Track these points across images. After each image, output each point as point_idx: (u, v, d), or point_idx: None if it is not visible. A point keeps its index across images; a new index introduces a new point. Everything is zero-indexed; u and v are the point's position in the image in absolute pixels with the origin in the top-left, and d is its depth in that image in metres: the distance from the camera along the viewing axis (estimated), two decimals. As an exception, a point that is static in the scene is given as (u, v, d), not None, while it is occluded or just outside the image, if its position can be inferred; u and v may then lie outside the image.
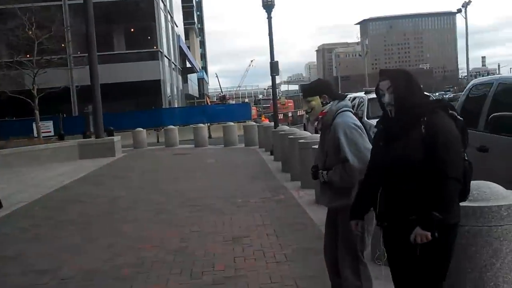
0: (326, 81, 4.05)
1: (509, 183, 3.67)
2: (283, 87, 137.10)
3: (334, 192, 3.51)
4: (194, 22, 74.92)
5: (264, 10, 15.88)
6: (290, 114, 36.54)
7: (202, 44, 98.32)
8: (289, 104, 43.51)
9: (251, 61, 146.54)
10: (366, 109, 11.49)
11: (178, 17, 50.11)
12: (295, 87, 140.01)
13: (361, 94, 12.98)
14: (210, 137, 23.95)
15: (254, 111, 37.15)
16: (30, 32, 20.80)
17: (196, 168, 13.68)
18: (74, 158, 16.79)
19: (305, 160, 8.77)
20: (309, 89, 3.73)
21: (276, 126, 15.62)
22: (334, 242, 3.61)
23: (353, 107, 8.17)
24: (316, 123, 3.74)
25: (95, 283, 4.94)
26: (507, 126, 5.23)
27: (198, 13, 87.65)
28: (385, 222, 2.91)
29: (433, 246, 2.70)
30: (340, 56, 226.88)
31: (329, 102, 3.59)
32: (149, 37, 33.85)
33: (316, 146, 7.65)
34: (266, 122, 24.86)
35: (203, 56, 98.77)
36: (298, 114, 36.82)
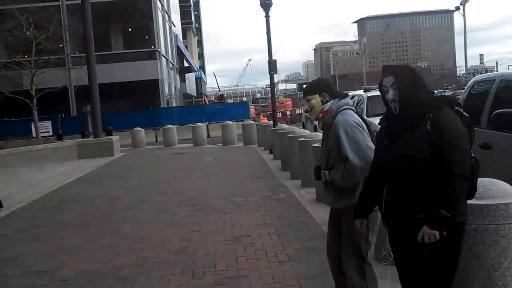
0: (326, 80, 3.99)
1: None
2: (281, 86, 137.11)
3: (338, 192, 3.46)
4: (192, 22, 74.88)
5: (262, 9, 15.82)
6: (288, 113, 36.52)
7: (200, 43, 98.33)
8: (287, 102, 43.47)
9: (249, 60, 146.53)
10: (365, 107, 11.45)
11: (176, 16, 50.05)
12: (293, 85, 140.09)
13: (360, 92, 12.94)
14: (208, 136, 23.89)
15: (252, 110, 37.09)
16: (28, 33, 20.72)
17: (195, 167, 13.63)
18: (72, 158, 16.73)
19: (305, 159, 8.74)
20: (309, 88, 3.69)
21: (275, 124, 15.58)
22: (338, 242, 3.57)
23: (352, 105, 8.12)
24: (317, 122, 3.70)
25: (96, 284, 4.89)
26: (510, 123, 5.19)
27: (195, 12, 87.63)
28: (391, 221, 2.86)
29: (441, 245, 2.65)
30: (337, 55, 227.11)
31: (329, 101, 3.55)
32: (146, 37, 33.80)
33: (316, 144, 7.68)
34: (264, 120, 24.82)
35: (201, 56, 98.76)
36: (296, 112, 36.79)
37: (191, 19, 73.72)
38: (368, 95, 11.65)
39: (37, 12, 21.42)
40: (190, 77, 62.23)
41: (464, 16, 44.99)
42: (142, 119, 27.12)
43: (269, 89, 18.36)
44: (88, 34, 17.43)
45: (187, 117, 29.72)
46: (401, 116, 2.80)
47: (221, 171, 12.54)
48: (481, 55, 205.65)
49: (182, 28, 60.32)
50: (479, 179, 2.89)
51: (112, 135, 18.85)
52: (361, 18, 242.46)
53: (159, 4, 36.01)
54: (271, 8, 15.79)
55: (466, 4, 46.43)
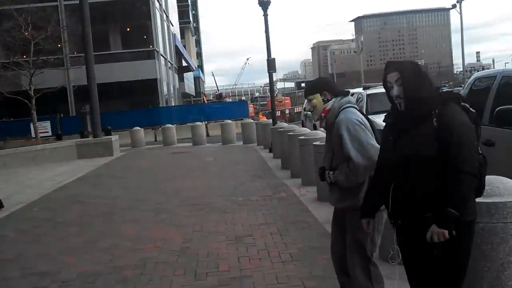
0: (326, 78, 3.93)
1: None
2: (279, 85, 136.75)
3: (342, 192, 3.41)
4: (190, 21, 74.76)
5: (260, 8, 15.78)
6: (287, 111, 36.53)
7: (198, 43, 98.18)
8: (285, 101, 43.50)
9: (247, 59, 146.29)
10: (364, 105, 11.41)
11: (174, 16, 49.97)
12: (291, 84, 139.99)
13: (360, 90, 12.90)
14: (207, 135, 23.85)
15: (251, 108, 37.07)
16: (26, 33, 20.67)
17: (195, 166, 13.57)
18: (72, 158, 16.67)
19: (305, 157, 8.70)
20: (309, 88, 3.64)
21: (274, 123, 15.53)
22: (342, 241, 3.52)
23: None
24: (318, 122, 3.65)
25: (97, 285, 4.84)
26: (513, 119, 5.15)
27: (193, 12, 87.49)
28: (399, 220, 2.81)
29: (451, 245, 2.59)
30: (335, 53, 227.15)
31: (331, 99, 3.50)
32: (145, 36, 33.76)
33: (316, 143, 7.63)
34: (263, 119, 24.78)
35: (199, 55, 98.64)
36: (295, 111, 36.79)
37: (189, 18, 73.60)
38: (367, 93, 11.62)
39: (35, 13, 21.37)
40: (189, 76, 62.16)
41: (460, 13, 44.90)
42: (141, 118, 27.10)
43: (267, 88, 18.32)
44: (87, 34, 17.38)
45: (186, 117, 29.70)
46: (407, 112, 2.75)
47: (221, 170, 12.49)
48: (477, 52, 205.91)
49: (180, 27, 60.18)
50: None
51: (111, 135, 18.79)
52: (358, 17, 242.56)
53: (157, 4, 35.94)
54: (269, 7, 15.75)
55: (462, 1, 46.35)
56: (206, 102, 45.22)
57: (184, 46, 59.90)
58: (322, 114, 3.50)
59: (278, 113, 26.39)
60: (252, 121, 22.62)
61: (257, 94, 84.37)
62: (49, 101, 22.58)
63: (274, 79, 16.89)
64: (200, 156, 16.18)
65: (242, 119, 25.59)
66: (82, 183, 11.64)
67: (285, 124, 14.72)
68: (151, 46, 33.16)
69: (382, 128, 2.99)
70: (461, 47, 46.62)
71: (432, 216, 2.61)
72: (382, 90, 10.04)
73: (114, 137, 18.25)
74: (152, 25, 33.33)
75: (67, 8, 28.60)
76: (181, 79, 53.59)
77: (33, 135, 21.54)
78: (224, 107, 34.21)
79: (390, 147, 2.82)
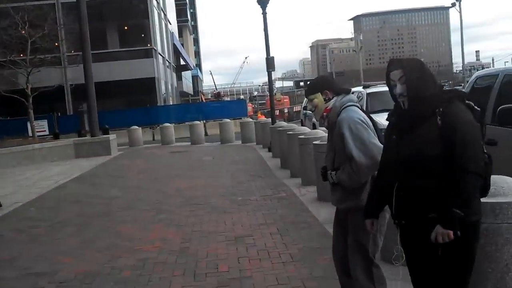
0: (327, 77, 3.88)
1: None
2: (278, 84, 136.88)
3: (344, 192, 3.36)
4: (188, 20, 74.69)
5: (259, 6, 15.72)
6: (286, 110, 36.51)
7: (196, 41, 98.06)
8: (284, 100, 43.52)
9: (246, 58, 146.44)
10: (364, 104, 11.38)
11: (172, 14, 49.86)
12: (289, 83, 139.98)
13: (359, 88, 12.87)
14: (206, 134, 23.79)
15: (249, 107, 37.04)
16: (23, 31, 20.55)
17: (194, 166, 13.52)
18: (69, 157, 16.59)
19: (305, 157, 8.65)
20: (310, 87, 3.58)
21: (273, 122, 15.48)
22: (344, 242, 3.47)
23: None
24: (318, 121, 3.60)
25: (95, 286, 4.78)
26: (516, 118, 5.11)
27: (191, 10, 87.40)
28: (403, 220, 2.76)
29: (455, 245, 2.55)
30: (334, 52, 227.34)
31: (332, 98, 3.44)
32: (142, 35, 33.68)
33: (316, 142, 7.57)
34: (262, 118, 24.73)
35: (197, 54, 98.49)
36: (294, 110, 36.76)
37: (187, 17, 73.52)
38: (367, 92, 11.59)
39: (32, 11, 21.27)
40: (187, 75, 62.11)
41: (460, 12, 44.85)
42: (139, 117, 27.04)
43: (266, 86, 18.28)
44: (84, 32, 17.29)
45: (184, 115, 29.64)
46: (410, 110, 2.70)
47: (220, 169, 12.43)
48: (477, 51, 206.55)
49: (178, 26, 60.05)
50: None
51: (109, 134, 18.71)
52: (357, 15, 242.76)
53: (154, 2, 35.84)
54: (267, 5, 15.68)
55: (461, 0, 46.30)
56: (204, 101, 45.17)
57: (182, 45, 59.79)
58: (324, 113, 3.45)
59: (277, 112, 26.33)
60: (251, 120, 22.57)
61: (255, 93, 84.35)
62: (46, 100, 22.47)
63: (273, 78, 16.82)
64: (199, 156, 16.12)
65: (241, 118, 25.55)
66: (79, 183, 11.56)
67: (284, 123, 14.69)
68: (149, 45, 33.08)
69: (384, 127, 2.94)
70: (460, 46, 46.57)
71: (436, 217, 2.56)
72: (382, 89, 10.08)
73: (112, 136, 18.18)
74: (150, 23, 33.24)
75: (64, 6, 28.50)
76: (179, 78, 53.53)
77: (30, 134, 21.44)
78: (223, 106, 34.17)
79: (393, 146, 2.77)
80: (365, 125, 3.29)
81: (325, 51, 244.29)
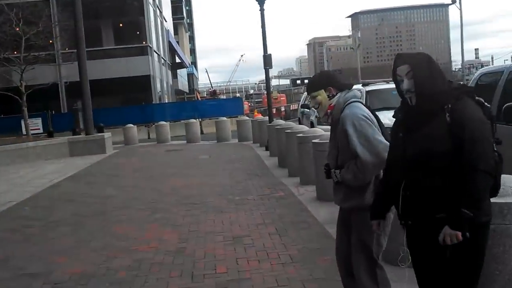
0: (329, 73, 3.76)
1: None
2: (274, 82, 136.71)
3: (348, 191, 3.27)
4: (183, 17, 74.44)
5: (257, 2, 15.60)
6: (282, 109, 36.43)
7: (192, 39, 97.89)
8: (281, 98, 43.41)
9: (242, 55, 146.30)
10: (364, 101, 11.31)
11: (167, 12, 49.69)
12: (286, 81, 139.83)
13: (359, 86, 12.79)
14: (202, 133, 23.66)
15: (246, 106, 36.92)
16: (17, 28, 20.36)
17: (190, 165, 13.41)
18: (64, 155, 16.45)
19: (303, 155, 8.55)
20: (312, 84, 3.48)
21: (271, 120, 15.37)
22: (347, 242, 3.39)
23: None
24: (316, 118, 3.51)
25: (90, 287, 4.68)
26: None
27: (187, 7, 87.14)
28: (409, 220, 2.67)
29: (464, 247, 2.46)
30: (331, 50, 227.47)
31: (336, 94, 3.35)
32: (138, 32, 33.53)
33: (315, 140, 7.48)
34: (259, 116, 24.62)
35: (193, 51, 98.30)
36: (291, 108, 36.69)
37: (182, 14, 73.26)
38: (367, 90, 11.52)
39: (26, 7, 21.09)
40: (182, 73, 61.84)
41: (460, 10, 44.72)
42: (134, 115, 26.90)
43: (262, 85, 18.18)
44: (79, 29, 17.13)
45: (179, 114, 29.52)
46: (418, 107, 2.60)
47: (217, 168, 12.32)
48: (476, 49, 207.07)
49: (174, 23, 59.93)
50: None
51: (103, 132, 18.57)
52: (355, 13, 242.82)
53: (150, -1, 35.69)
54: (265, 2, 15.57)
55: (462, -2, 46.18)
56: (200, 99, 45.04)
57: (178, 42, 59.64)
58: (328, 111, 3.36)
59: (273, 111, 26.24)
60: (248, 118, 22.46)
61: (252, 91, 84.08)
62: (40, 98, 22.30)
63: (269, 76, 16.71)
64: (195, 154, 16.00)
65: (237, 116, 25.43)
66: (74, 181, 11.43)
67: (282, 122, 14.59)
68: (144, 42, 32.93)
69: (388, 125, 2.86)
70: (460, 44, 46.47)
71: (445, 217, 2.47)
72: (382, 86, 9.98)
73: (107, 135, 18.04)
74: (145, 20, 33.08)
75: (59, 3, 28.33)
76: (175, 75, 53.30)
77: (24, 132, 21.26)
78: (219, 104, 34.01)
79: (400, 144, 2.69)
80: (369, 122, 3.20)
81: (322, 49, 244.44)
